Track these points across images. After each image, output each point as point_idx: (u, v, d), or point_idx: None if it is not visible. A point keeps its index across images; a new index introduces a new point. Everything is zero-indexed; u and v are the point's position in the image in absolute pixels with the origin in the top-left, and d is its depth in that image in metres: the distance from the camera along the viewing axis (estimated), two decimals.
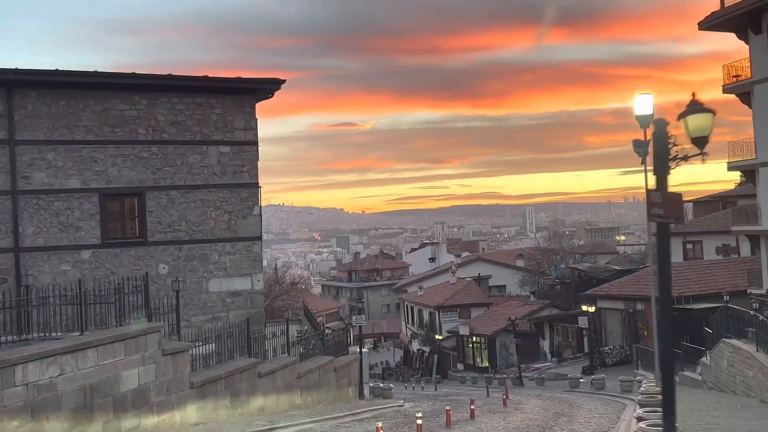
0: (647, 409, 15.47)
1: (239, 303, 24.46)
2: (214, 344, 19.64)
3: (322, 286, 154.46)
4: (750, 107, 38.84)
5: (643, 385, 20.61)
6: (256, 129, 25.62)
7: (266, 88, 25.41)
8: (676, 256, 55.83)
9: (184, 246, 24.16)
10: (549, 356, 54.77)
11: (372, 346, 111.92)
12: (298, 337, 28.43)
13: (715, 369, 26.76)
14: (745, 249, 53.23)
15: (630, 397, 26.20)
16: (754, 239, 39.86)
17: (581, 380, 35.41)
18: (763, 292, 38.20)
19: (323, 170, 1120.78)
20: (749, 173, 39.48)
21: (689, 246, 59.32)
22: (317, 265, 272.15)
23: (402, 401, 29.38)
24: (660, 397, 13.96)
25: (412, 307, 75.48)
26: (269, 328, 24.67)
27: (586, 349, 51.30)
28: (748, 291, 39.88)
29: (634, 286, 45.10)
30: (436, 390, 43.34)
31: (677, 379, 29.41)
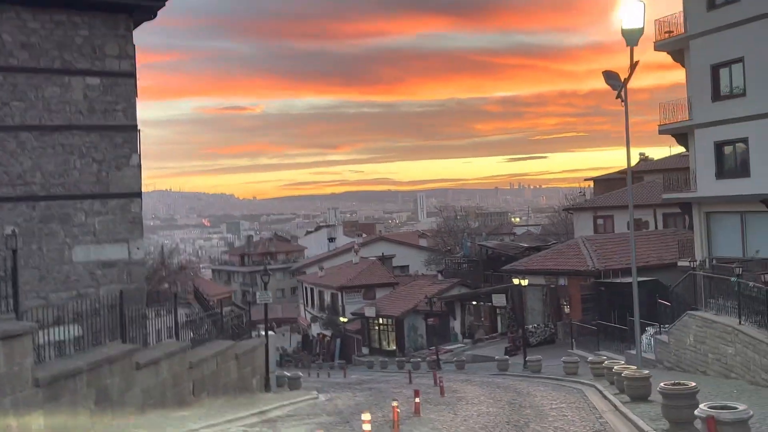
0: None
1: (113, 276, 19.25)
2: (76, 327, 14.57)
3: (213, 270, 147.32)
4: (683, 65, 36.18)
5: (623, 372, 16.83)
6: (133, 57, 20.37)
7: (146, 5, 20.12)
8: (587, 231, 53.62)
9: (40, 203, 18.75)
10: (460, 337, 51.38)
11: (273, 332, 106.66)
12: (190, 318, 23.37)
13: (675, 346, 23.51)
14: (653, 224, 51.59)
15: (581, 380, 22.61)
16: (686, 207, 37.35)
17: (510, 362, 31.81)
18: (695, 263, 35.72)
19: (212, 155, 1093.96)
20: (681, 137, 36.87)
21: (600, 221, 57.30)
22: (207, 251, 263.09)
23: (315, 392, 24.84)
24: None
25: (311, 289, 70.79)
26: (154, 312, 19.64)
27: (500, 329, 48.19)
28: (678, 263, 37.38)
29: (556, 260, 42.08)
30: (345, 377, 38.96)
31: (623, 359, 26.15)
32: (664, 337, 24.38)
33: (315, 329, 67.84)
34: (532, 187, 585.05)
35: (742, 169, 33.17)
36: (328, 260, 78.50)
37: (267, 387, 23.72)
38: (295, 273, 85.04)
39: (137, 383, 15.13)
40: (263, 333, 26.47)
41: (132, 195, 20.01)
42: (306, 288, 73.82)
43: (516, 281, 32.73)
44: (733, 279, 19.49)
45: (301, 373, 28.64)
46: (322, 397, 23.55)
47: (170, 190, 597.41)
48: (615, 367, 17.90)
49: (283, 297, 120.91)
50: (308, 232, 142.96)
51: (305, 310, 74.30)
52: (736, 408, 8.72)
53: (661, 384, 11.84)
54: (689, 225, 48.84)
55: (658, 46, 36.23)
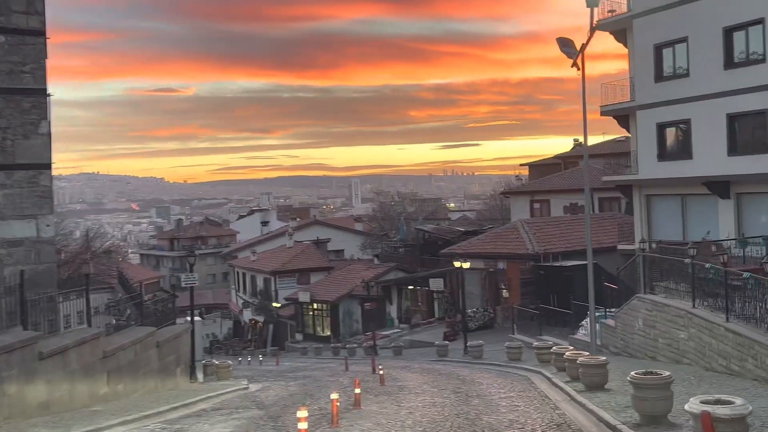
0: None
1: (19, 256, 17.30)
2: None
3: (141, 255, 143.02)
4: (626, 46, 35.55)
5: (578, 358, 15.76)
6: (43, 14, 18.38)
7: None
8: (524, 215, 53.13)
9: None
10: (397, 322, 50.28)
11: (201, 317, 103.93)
12: (107, 303, 21.48)
13: (623, 331, 22.70)
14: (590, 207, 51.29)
15: (526, 366, 21.60)
16: (626, 190, 36.81)
17: (449, 347, 30.74)
18: (646, 245, 35.27)
19: (142, 137, 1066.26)
20: (623, 118, 36.26)
21: (536, 205, 56.96)
22: (135, 236, 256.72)
23: (245, 382, 23.25)
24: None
25: (243, 274, 68.67)
26: (67, 297, 17.75)
27: (437, 314, 47.27)
28: (618, 247, 36.91)
29: (495, 243, 41.22)
30: (278, 365, 37.37)
31: (567, 344, 25.26)
32: (610, 322, 23.57)
33: (247, 315, 65.85)
34: (465, 174, 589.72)
35: (684, 151, 32.71)
36: (260, 244, 76.41)
37: (193, 377, 22.03)
38: (227, 258, 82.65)
39: (40, 375, 13.34)
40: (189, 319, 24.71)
41: (41, 166, 18.06)
42: (238, 273, 71.67)
43: (457, 264, 31.63)
44: (687, 261, 18.66)
45: (231, 362, 26.97)
46: (253, 387, 21.99)
47: (98, 173, 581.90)
48: (567, 353, 16.84)
49: (214, 282, 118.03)
50: (240, 217, 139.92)
51: (237, 295, 72.19)
52: (732, 402, 7.61)
53: (632, 373, 10.72)
54: (626, 209, 48.78)
55: (601, 26, 35.29)
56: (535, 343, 22.44)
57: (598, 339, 24.48)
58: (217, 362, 26.34)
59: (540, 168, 68.11)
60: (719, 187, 31.12)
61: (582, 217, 47.04)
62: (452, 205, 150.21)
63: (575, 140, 75.96)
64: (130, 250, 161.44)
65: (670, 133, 33.73)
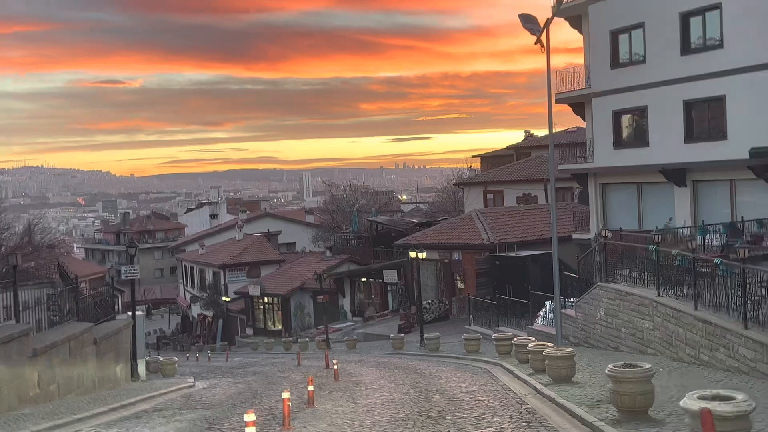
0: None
1: None
2: None
3: (86, 249, 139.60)
4: (581, 32, 35.05)
5: (544, 350, 14.98)
6: None
7: None
8: (477, 206, 52.61)
9: None
10: (350, 315, 49.32)
11: (144, 313, 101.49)
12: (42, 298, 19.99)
13: (584, 321, 22.08)
14: (542, 197, 51.18)
15: (485, 359, 20.83)
16: (582, 178, 36.37)
17: (405, 340, 29.88)
18: (607, 233, 34.89)
19: (88, 130, 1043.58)
20: (578, 106, 35.79)
21: (490, 196, 56.56)
22: (81, 230, 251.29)
23: (191, 380, 22.05)
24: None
25: (192, 268, 66.93)
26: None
27: (392, 306, 46.44)
28: (573, 236, 36.48)
29: (450, 234, 40.50)
30: (227, 360, 36.10)
31: (526, 335, 24.60)
32: (570, 311, 22.93)
33: (196, 310, 64.20)
34: (416, 167, 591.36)
35: (640, 139, 32.33)
36: (209, 237, 74.69)
37: (134, 375, 20.74)
38: (174, 251, 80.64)
39: None
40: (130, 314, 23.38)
41: None
42: (186, 267, 69.87)
43: (412, 255, 30.77)
44: (651, 247, 18.05)
45: (176, 358, 25.70)
46: (200, 385, 20.81)
47: (42, 166, 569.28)
48: (530, 345, 16.06)
49: (162, 277, 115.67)
50: (189, 210, 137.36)
51: (185, 290, 70.40)
52: (734, 398, 6.83)
53: (610, 366, 9.91)
54: (580, 198, 48.57)
55: (556, 12, 34.82)
56: (495, 335, 21.70)
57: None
58: (162, 359, 25.05)
59: (492, 159, 67.78)
60: (676, 174, 30.81)
61: (536, 207, 46.85)
62: (404, 197, 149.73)
63: (527, 131, 75.92)
64: (75, 245, 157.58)
65: (627, 121, 33.34)
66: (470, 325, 30.03)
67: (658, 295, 17.51)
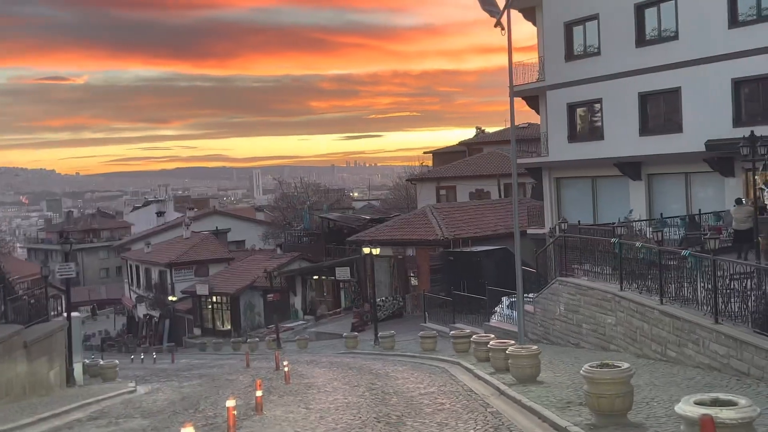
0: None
1: None
2: None
3: (29, 249, 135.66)
4: (534, 24, 34.58)
5: (507, 348, 14.24)
6: None
7: None
8: (430, 202, 52.03)
9: None
10: (301, 314, 48.21)
11: (89, 313, 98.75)
12: None
13: (542, 317, 21.46)
14: (496, 193, 50.83)
15: (442, 357, 20.06)
16: (536, 173, 35.90)
17: (359, 339, 28.97)
18: (545, 231, 34.48)
19: (31, 127, 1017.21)
20: (532, 99, 35.33)
21: (443, 192, 56.11)
22: (25, 230, 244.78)
23: (132, 384, 20.83)
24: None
25: (137, 267, 64.98)
26: None
27: (344, 304, 45.50)
28: (528, 231, 36.02)
29: (404, 230, 39.72)
30: (173, 362, 34.75)
31: (483, 331, 23.94)
32: (528, 307, 22.26)
33: (142, 310, 62.31)
34: (368, 165, 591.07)
35: (595, 132, 32.01)
36: (156, 236, 72.68)
37: (70, 381, 19.44)
38: (120, 250, 78.36)
39: None
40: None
41: None
42: (131, 266, 67.86)
43: (366, 250, 29.89)
44: (614, 240, 17.47)
45: (117, 361, 24.39)
46: (142, 390, 19.62)
47: None
48: (491, 342, 15.32)
49: (108, 277, 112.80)
50: (135, 208, 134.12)
51: (130, 290, 68.37)
52: (736, 403, 6.09)
53: (586, 366, 9.15)
54: (533, 193, 48.30)
55: (510, 3, 34.28)
56: (452, 332, 20.92)
57: (514, 325, 23.22)
58: (102, 362, 23.73)
59: (444, 156, 67.30)
60: (631, 168, 30.53)
61: (489, 202, 46.37)
62: (356, 194, 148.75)
63: (478, 128, 75.59)
64: (18, 245, 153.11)
65: (581, 114, 33.00)
66: (425, 322, 29.27)
67: (621, 289, 16.94)
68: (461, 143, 68.56)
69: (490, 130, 73.07)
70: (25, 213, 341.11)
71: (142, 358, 40.18)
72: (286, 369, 18.01)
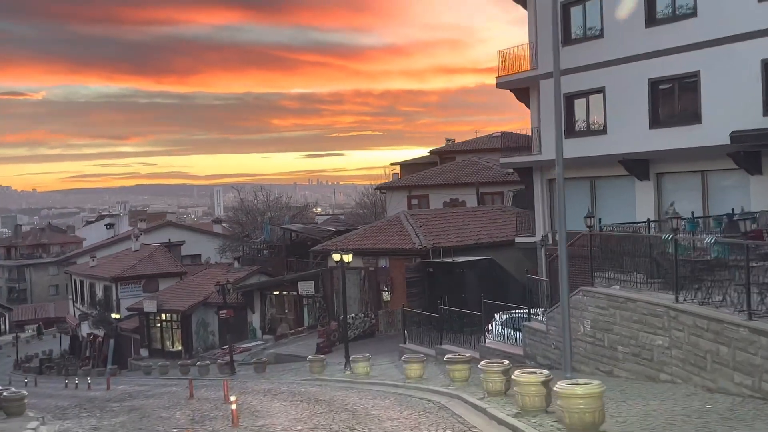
0: None
1: None
2: None
3: None
4: (525, 7, 30.81)
5: (536, 379, 10.03)
6: None
7: None
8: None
9: None
10: (260, 333, 43.59)
11: (35, 332, 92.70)
12: None
13: (558, 337, 17.27)
14: (471, 202, 47.14)
15: (435, 388, 15.82)
16: (525, 174, 31.96)
17: (326, 362, 24.49)
18: (536, 239, 30.54)
19: None
20: (522, 92, 31.47)
21: (414, 201, 52.18)
22: None
23: (36, 422, 16.20)
24: None
25: (81, 282, 59.67)
26: None
27: (307, 322, 40.99)
28: (516, 240, 32.09)
29: (376, 238, 35.46)
30: (109, 389, 29.92)
31: (477, 354, 19.78)
32: (538, 324, 18.15)
33: (86, 329, 57.02)
34: (329, 183, 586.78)
35: (596, 126, 28.15)
36: (104, 249, 67.56)
37: None
38: (64, 264, 72.88)
39: None
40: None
41: None
42: (75, 281, 62.51)
43: (336, 257, 25.53)
44: (665, 237, 13.42)
45: (25, 392, 19.64)
46: (44, 429, 15.01)
47: None
48: (517, 373, 11.09)
49: (57, 294, 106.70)
50: (88, 223, 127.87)
51: (74, 306, 62.99)
52: None
53: None
54: (514, 201, 44.52)
55: None
56: (447, 356, 16.66)
57: (519, 347, 19.06)
58: (6, 393, 19.00)
59: (413, 167, 63.03)
60: (638, 166, 26.68)
61: (470, 209, 42.32)
62: (319, 209, 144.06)
63: (448, 139, 71.69)
64: None
65: (580, 106, 29.06)
66: (405, 342, 24.86)
67: (677, 300, 12.86)
68: (432, 152, 64.60)
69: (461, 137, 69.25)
70: None
71: (77, 383, 35.23)
72: (233, 407, 13.53)
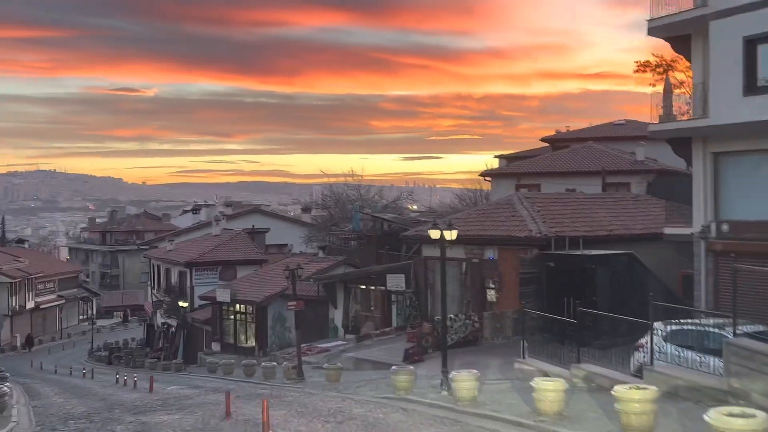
0: None
1: None
2: None
3: (70, 249, 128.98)
4: None
5: None
6: None
7: None
8: None
9: None
10: (341, 332, 37.78)
11: (121, 320, 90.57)
12: None
13: None
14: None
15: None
16: (682, 146, 24.83)
17: (416, 374, 18.16)
18: (694, 231, 23.42)
19: (101, 136, 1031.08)
20: (680, 40, 24.42)
21: (524, 190, 45.17)
22: (68, 228, 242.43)
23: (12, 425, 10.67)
24: None
25: (158, 267, 55.54)
26: None
27: (396, 322, 34.88)
28: (666, 231, 25.01)
29: (483, 224, 28.97)
30: (151, 390, 24.60)
31: (625, 376, 13.04)
32: (756, 345, 11.32)
33: (160, 317, 52.79)
34: (426, 186, 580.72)
35: None
36: (187, 234, 63.54)
37: None
38: (146, 250, 69.37)
39: None
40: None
41: None
42: (153, 266, 58.52)
43: (435, 234, 19.24)
44: None
45: (8, 390, 14.31)
46: None
47: (55, 170, 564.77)
48: None
49: (146, 281, 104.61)
50: (184, 212, 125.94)
51: (152, 293, 59.05)
52: None
53: None
54: (648, 190, 37.46)
55: None
56: (619, 387, 10.12)
57: (715, 376, 12.28)
58: None
59: (518, 161, 56.04)
60: None
61: (598, 195, 35.33)
62: (415, 206, 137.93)
63: (558, 132, 64.23)
64: (58, 243, 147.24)
65: (767, 53, 21.85)
66: (523, 356, 18.21)
67: None
68: (543, 140, 57.29)
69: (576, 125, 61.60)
70: (90, 218, 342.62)
71: (125, 380, 30.25)
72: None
